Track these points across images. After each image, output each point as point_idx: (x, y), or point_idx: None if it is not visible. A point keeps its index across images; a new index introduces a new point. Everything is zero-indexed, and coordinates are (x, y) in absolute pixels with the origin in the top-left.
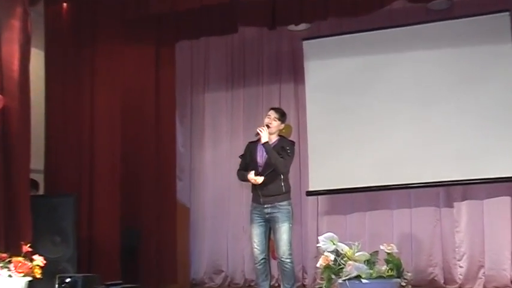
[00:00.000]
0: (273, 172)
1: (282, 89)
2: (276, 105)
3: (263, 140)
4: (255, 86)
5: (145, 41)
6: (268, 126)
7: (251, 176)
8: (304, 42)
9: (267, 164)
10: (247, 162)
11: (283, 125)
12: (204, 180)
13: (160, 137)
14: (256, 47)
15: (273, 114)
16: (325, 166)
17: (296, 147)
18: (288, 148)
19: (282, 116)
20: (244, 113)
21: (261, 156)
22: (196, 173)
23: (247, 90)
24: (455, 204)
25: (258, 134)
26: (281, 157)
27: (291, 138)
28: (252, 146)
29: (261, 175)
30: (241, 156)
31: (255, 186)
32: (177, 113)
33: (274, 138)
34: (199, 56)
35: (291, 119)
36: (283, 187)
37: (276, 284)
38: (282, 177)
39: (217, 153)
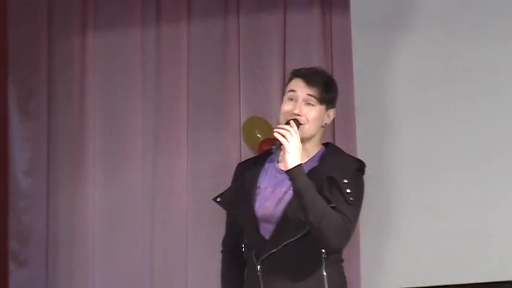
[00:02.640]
0: (300, 242)
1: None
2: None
3: (290, 162)
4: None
5: None
6: (297, 123)
7: None
8: None
9: (286, 221)
10: (240, 219)
11: (331, 117)
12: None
13: None
14: None
15: (310, 90)
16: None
17: None
18: (346, 181)
19: (331, 92)
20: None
21: (275, 202)
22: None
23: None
24: None
25: (278, 143)
26: (332, 206)
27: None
28: (249, 171)
29: (266, 249)
30: (224, 203)
31: (251, 272)
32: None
33: (312, 151)
34: None
35: None
36: (325, 280)
37: None
38: (324, 253)
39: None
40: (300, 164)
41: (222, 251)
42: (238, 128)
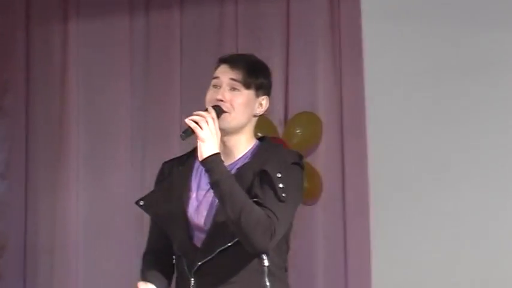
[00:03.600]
0: (237, 248)
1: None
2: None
3: (204, 151)
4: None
5: None
6: (219, 110)
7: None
8: None
9: (218, 225)
10: (169, 227)
11: (264, 106)
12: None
13: None
14: None
15: (233, 73)
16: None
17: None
18: (280, 175)
19: (260, 76)
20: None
21: (199, 204)
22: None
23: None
24: None
25: (188, 130)
26: (256, 201)
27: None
28: (178, 171)
29: (198, 259)
30: (148, 207)
31: (183, 285)
32: None
33: (244, 147)
34: None
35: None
36: None
37: None
38: (265, 260)
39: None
40: (217, 153)
41: (144, 254)
42: None
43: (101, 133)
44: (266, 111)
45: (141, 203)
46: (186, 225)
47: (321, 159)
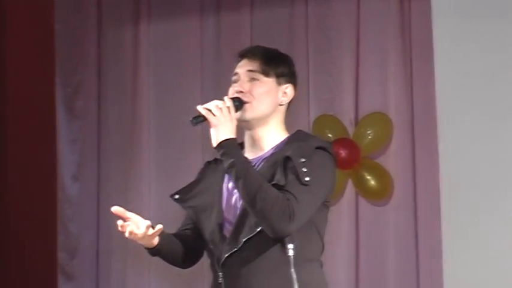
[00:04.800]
0: (261, 239)
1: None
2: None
3: (217, 137)
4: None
5: None
6: (239, 102)
7: None
8: None
9: (244, 216)
10: (203, 220)
11: (289, 95)
12: None
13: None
14: None
15: (250, 65)
16: None
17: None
18: (304, 160)
19: (280, 64)
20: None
21: (230, 196)
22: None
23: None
24: None
25: (199, 116)
26: (274, 184)
27: None
28: (220, 171)
29: (226, 250)
30: (182, 200)
31: (214, 285)
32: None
33: (273, 139)
34: None
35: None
36: (295, 280)
37: None
38: (290, 250)
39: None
40: (232, 138)
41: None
42: (307, 127)
43: (172, 134)
44: (292, 99)
45: (176, 196)
46: (219, 216)
47: (391, 160)
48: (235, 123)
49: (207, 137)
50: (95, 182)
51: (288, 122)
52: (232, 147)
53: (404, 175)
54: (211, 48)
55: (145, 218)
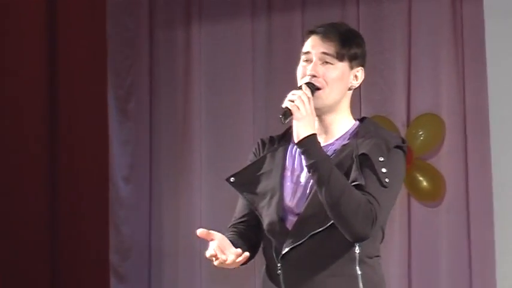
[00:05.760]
0: (328, 234)
1: None
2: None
3: (300, 132)
4: None
5: None
6: (312, 87)
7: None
8: None
9: (311, 209)
10: (261, 207)
11: (359, 78)
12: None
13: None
14: None
15: (325, 46)
16: None
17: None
18: (382, 159)
19: (353, 47)
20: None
21: (294, 186)
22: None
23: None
24: None
25: (287, 111)
26: (356, 185)
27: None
28: (272, 150)
29: (288, 243)
30: (238, 184)
31: (270, 274)
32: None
33: (342, 127)
34: None
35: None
36: (360, 278)
37: None
38: (356, 247)
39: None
40: (313, 134)
41: (229, 226)
42: None
43: (224, 134)
44: (361, 83)
45: (232, 179)
46: (280, 206)
47: (444, 161)
48: (315, 115)
49: (257, 136)
50: (147, 184)
51: None
52: (314, 145)
53: (456, 176)
54: (263, 50)
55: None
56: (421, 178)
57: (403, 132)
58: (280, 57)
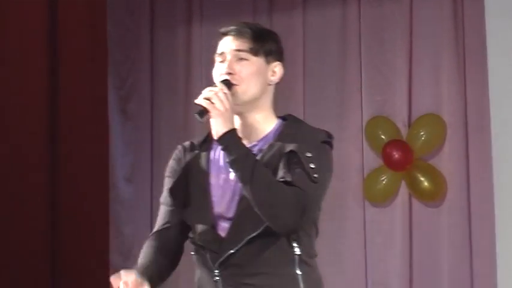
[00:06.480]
0: (266, 236)
1: None
2: None
3: (219, 128)
4: None
5: None
6: (228, 84)
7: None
8: None
9: (244, 212)
10: (190, 217)
11: (278, 73)
12: None
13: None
14: None
15: (238, 43)
16: None
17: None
18: (310, 154)
19: (268, 41)
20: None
21: (221, 190)
22: None
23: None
24: None
25: (202, 109)
26: (284, 181)
27: None
28: (201, 157)
29: (224, 250)
30: (170, 192)
31: (206, 281)
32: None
33: (265, 126)
34: None
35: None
36: (300, 279)
37: None
38: (296, 248)
39: None
40: (233, 129)
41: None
42: (360, 129)
43: None
44: (281, 78)
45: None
46: (208, 213)
47: (445, 162)
48: (233, 110)
49: None
50: (149, 184)
51: (340, 123)
52: (234, 140)
53: (457, 176)
54: None
55: None
56: (422, 178)
57: (404, 133)
58: None
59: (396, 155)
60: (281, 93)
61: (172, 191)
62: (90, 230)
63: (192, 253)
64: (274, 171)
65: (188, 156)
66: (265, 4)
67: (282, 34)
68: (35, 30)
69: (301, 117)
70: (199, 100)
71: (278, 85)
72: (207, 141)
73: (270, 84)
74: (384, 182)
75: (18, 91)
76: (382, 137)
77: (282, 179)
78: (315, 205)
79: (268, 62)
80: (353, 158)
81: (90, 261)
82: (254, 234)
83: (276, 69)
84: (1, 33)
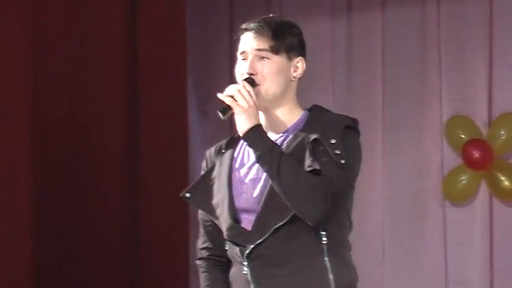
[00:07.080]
0: (292, 226)
1: None
2: None
3: (243, 124)
4: None
5: None
6: (252, 82)
7: None
8: None
9: (269, 203)
10: (212, 215)
11: (300, 68)
12: None
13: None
14: None
15: (258, 42)
16: None
17: None
18: (334, 141)
19: (288, 37)
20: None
21: (245, 184)
22: None
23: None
24: None
25: (225, 106)
26: (311, 170)
27: None
28: (220, 156)
29: (251, 241)
30: (195, 199)
31: (237, 274)
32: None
33: (289, 118)
34: None
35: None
36: (329, 269)
37: None
38: (323, 237)
39: None
40: (258, 125)
41: (198, 259)
42: (440, 128)
43: None
44: (304, 73)
45: (187, 195)
46: (232, 208)
47: None
48: (257, 106)
49: None
50: None
51: (420, 123)
52: (260, 135)
53: None
54: (342, 50)
55: None
56: (502, 178)
57: (484, 132)
58: (359, 56)
59: (476, 154)
60: (360, 91)
61: (194, 192)
62: (170, 232)
63: (226, 247)
64: (300, 161)
65: (214, 160)
66: (344, 3)
67: (360, 34)
68: (115, 30)
69: (380, 118)
70: (222, 97)
71: (356, 85)
72: (233, 140)
73: (292, 80)
74: (463, 182)
75: (99, 93)
76: (462, 136)
77: (309, 168)
78: (347, 191)
79: (289, 59)
80: (432, 157)
81: (170, 262)
82: (281, 223)
83: (299, 65)
84: (83, 35)
